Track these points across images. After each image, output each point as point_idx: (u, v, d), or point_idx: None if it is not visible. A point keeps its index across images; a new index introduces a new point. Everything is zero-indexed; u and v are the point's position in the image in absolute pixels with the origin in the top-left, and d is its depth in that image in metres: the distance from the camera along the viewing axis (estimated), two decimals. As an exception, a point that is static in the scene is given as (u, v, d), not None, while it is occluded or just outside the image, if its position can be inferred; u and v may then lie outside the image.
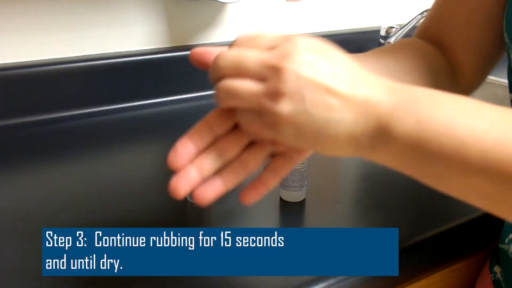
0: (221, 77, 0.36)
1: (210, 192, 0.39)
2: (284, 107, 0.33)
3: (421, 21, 1.02)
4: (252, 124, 0.36)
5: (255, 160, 0.39)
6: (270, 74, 0.34)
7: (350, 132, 0.34)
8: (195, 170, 0.38)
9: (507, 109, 0.34)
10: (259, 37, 0.36)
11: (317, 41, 0.35)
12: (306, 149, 0.41)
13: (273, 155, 0.41)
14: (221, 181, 0.39)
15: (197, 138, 0.38)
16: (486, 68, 0.58)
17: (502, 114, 0.34)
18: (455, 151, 0.33)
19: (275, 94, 0.34)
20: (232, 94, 0.35)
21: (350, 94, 0.34)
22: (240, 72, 0.35)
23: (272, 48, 0.35)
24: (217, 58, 0.36)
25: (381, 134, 0.34)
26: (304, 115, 0.34)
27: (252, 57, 0.35)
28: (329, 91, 0.33)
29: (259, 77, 0.34)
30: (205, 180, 0.39)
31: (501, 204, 0.35)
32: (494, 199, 0.34)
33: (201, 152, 0.38)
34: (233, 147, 0.38)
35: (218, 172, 0.39)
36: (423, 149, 0.33)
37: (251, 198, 0.41)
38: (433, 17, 0.60)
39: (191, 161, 0.38)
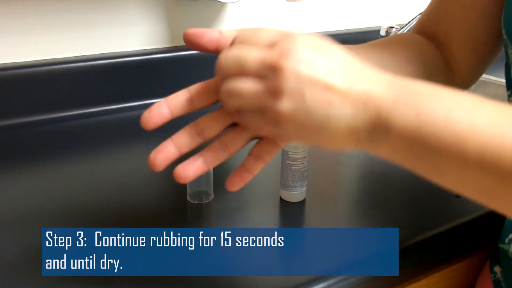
0: (225, 78, 0.37)
1: (191, 169, 0.40)
2: (285, 105, 0.34)
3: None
4: (255, 122, 0.37)
5: (236, 142, 0.40)
6: (270, 73, 0.34)
7: (351, 126, 0.35)
8: (173, 145, 0.39)
9: (504, 105, 0.34)
10: (259, 33, 0.37)
11: (316, 38, 0.36)
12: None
13: (257, 139, 0.42)
14: (202, 160, 0.40)
15: (174, 107, 0.40)
16: (481, 66, 0.58)
17: (500, 109, 0.34)
18: (453, 145, 0.33)
19: (276, 93, 0.34)
20: (234, 95, 0.36)
21: (349, 89, 0.34)
22: (241, 71, 0.36)
23: (272, 44, 0.35)
24: (219, 59, 0.37)
25: (381, 127, 0.34)
26: (305, 112, 0.34)
27: (252, 56, 0.35)
28: (328, 87, 0.34)
29: (260, 76, 0.35)
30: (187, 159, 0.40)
31: (497, 199, 0.35)
32: (490, 194, 0.35)
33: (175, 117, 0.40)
34: (213, 127, 0.40)
35: (200, 152, 0.40)
36: (422, 142, 0.34)
37: (237, 184, 0.42)
38: (430, 13, 0.60)
39: (163, 124, 0.39)
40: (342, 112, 0.34)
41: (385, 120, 0.34)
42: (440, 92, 0.35)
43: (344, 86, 0.34)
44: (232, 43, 0.38)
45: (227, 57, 0.36)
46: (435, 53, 0.57)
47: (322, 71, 0.34)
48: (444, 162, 0.34)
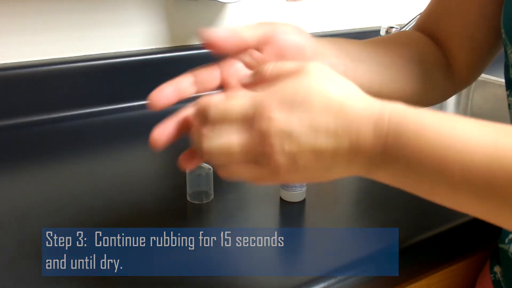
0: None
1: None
2: (284, 177, 0.37)
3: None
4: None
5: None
6: (261, 160, 0.36)
7: (347, 173, 0.37)
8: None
9: (495, 127, 0.34)
10: (230, 109, 0.36)
11: (285, 88, 0.35)
12: None
13: None
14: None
15: (181, 90, 0.41)
16: (480, 65, 0.59)
17: (491, 134, 0.33)
18: (445, 189, 0.34)
19: (275, 171, 0.36)
20: (233, 176, 0.38)
21: (337, 149, 0.35)
22: (230, 161, 0.37)
23: (247, 120, 0.35)
24: (201, 146, 0.37)
25: (375, 171, 0.36)
26: (303, 175, 0.37)
27: (236, 145, 0.36)
28: (316, 153, 0.35)
29: (252, 162, 0.36)
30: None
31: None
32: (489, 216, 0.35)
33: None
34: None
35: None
36: (414, 184, 0.36)
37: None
38: (430, 12, 0.60)
39: (169, 105, 0.40)
40: (336, 166, 0.36)
41: (376, 167, 0.36)
42: (429, 130, 0.34)
43: (331, 147, 0.35)
44: (201, 115, 0.37)
45: (211, 148, 0.36)
46: (435, 51, 0.57)
47: (305, 138, 0.34)
48: (438, 198, 0.36)
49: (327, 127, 0.34)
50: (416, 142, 0.34)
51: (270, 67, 0.38)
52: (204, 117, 0.37)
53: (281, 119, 0.34)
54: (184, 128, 0.40)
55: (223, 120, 0.36)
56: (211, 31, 0.40)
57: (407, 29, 1.05)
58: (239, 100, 0.36)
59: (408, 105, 0.35)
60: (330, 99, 0.35)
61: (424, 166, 0.34)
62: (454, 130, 0.33)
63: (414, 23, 1.05)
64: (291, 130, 0.34)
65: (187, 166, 0.41)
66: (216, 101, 0.37)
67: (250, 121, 0.35)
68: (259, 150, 0.35)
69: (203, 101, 0.37)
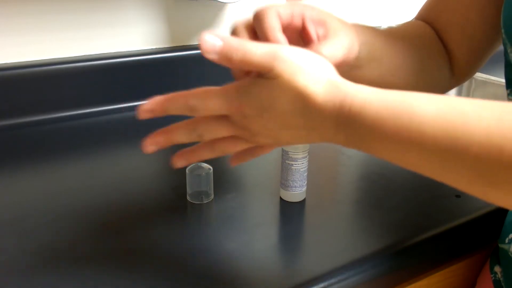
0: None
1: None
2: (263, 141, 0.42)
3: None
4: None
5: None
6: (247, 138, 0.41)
7: (325, 139, 0.40)
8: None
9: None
10: (207, 107, 0.40)
11: (253, 97, 0.38)
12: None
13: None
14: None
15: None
16: (478, 62, 0.60)
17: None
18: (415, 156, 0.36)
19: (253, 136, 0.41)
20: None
21: (309, 134, 0.39)
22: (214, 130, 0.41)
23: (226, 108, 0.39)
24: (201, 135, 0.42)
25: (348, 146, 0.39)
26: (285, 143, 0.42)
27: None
28: (293, 138, 0.40)
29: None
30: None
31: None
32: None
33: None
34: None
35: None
36: (376, 153, 0.38)
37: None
38: (430, 7, 0.60)
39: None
40: (314, 140, 0.40)
41: (347, 145, 0.39)
42: (388, 119, 0.36)
43: (304, 134, 0.39)
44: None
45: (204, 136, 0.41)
46: (439, 47, 0.58)
47: (279, 132, 0.40)
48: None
49: (297, 124, 0.39)
50: (374, 131, 0.36)
51: (240, 53, 0.37)
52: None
53: (254, 121, 0.39)
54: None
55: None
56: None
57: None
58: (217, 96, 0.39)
59: (372, 87, 0.38)
60: (295, 98, 0.37)
61: (383, 144, 0.36)
62: (410, 121, 0.35)
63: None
64: (265, 128, 0.39)
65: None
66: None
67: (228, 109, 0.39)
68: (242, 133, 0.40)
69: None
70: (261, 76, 0.38)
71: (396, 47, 0.54)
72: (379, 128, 0.36)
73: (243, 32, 0.43)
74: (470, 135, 0.33)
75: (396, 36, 0.55)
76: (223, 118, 0.40)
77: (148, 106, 0.41)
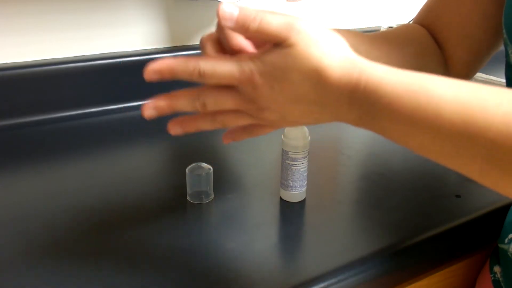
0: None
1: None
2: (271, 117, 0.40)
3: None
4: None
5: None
6: (255, 116, 0.40)
7: (337, 117, 0.39)
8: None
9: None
10: (216, 73, 0.38)
11: (268, 64, 0.37)
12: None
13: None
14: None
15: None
16: (477, 63, 0.59)
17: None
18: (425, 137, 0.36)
19: (269, 123, 0.41)
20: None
21: (322, 111, 0.39)
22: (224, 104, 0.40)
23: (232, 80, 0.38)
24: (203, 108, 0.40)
25: (359, 124, 0.39)
26: (292, 123, 0.41)
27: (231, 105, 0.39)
28: (303, 114, 0.39)
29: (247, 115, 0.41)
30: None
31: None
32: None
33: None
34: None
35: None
36: (389, 135, 0.38)
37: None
38: (430, 8, 0.60)
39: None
40: (325, 119, 0.39)
41: (360, 123, 0.38)
42: (404, 98, 0.36)
43: (316, 110, 0.38)
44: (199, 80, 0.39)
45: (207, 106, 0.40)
46: (435, 49, 0.58)
47: (289, 107, 0.39)
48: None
49: (309, 98, 0.38)
50: (389, 110, 0.36)
51: (257, 23, 0.37)
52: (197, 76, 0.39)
53: (263, 93, 0.38)
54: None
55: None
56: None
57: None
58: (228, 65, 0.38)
59: (388, 66, 0.37)
60: (309, 70, 0.36)
61: (397, 122, 0.36)
62: (428, 102, 0.35)
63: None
64: (274, 102, 0.38)
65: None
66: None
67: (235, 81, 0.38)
68: (254, 112, 0.40)
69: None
70: (276, 46, 0.37)
71: (382, 49, 0.53)
72: (395, 107, 0.35)
73: (210, 46, 0.42)
74: (487, 121, 0.33)
75: (382, 39, 0.55)
76: (230, 89, 0.39)
77: (156, 66, 0.39)
